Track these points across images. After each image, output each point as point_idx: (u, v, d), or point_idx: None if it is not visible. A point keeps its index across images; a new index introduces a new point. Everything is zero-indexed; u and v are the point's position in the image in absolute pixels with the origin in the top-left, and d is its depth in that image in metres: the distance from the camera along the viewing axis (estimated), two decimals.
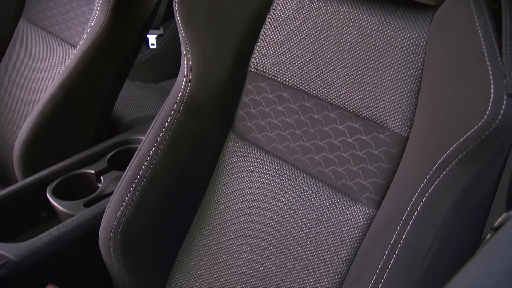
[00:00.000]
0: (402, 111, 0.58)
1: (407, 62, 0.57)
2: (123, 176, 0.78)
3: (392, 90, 0.59)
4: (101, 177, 0.97)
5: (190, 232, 0.79)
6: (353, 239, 0.63)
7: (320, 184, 0.68)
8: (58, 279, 0.78)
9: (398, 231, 0.53)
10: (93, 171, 0.97)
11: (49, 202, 0.91)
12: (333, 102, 0.66)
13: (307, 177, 0.69)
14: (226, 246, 0.75)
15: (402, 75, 0.58)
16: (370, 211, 0.62)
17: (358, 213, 0.63)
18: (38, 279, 0.77)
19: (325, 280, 0.64)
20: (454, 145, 0.50)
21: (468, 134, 0.49)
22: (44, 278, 0.77)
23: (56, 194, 0.92)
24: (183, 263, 0.79)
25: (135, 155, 0.78)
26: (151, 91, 1.37)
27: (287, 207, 0.70)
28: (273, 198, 0.72)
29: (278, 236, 0.70)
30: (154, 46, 1.64)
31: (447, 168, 0.50)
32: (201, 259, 0.77)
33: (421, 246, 0.51)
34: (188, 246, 0.79)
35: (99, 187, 0.96)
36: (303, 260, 0.67)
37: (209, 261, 0.76)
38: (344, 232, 0.64)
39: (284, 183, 0.71)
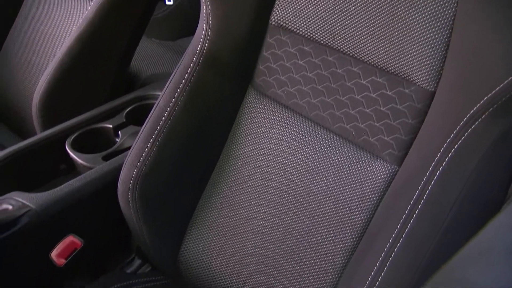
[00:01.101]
0: (429, 65, 0.56)
1: (438, 13, 0.55)
2: (141, 130, 0.78)
3: (420, 43, 0.57)
4: (119, 132, 0.97)
5: (207, 187, 0.80)
6: (373, 195, 0.62)
7: (341, 140, 0.67)
8: (78, 230, 0.80)
9: (422, 187, 0.52)
10: (111, 126, 0.97)
11: (68, 155, 0.92)
12: (357, 56, 0.64)
13: (328, 133, 0.68)
14: (244, 201, 0.75)
15: (432, 26, 0.56)
16: (392, 167, 0.61)
17: (379, 169, 0.62)
18: (59, 229, 0.78)
19: (344, 235, 0.64)
20: (485, 98, 0.48)
21: (500, 86, 0.47)
22: (64, 228, 0.79)
23: (75, 147, 0.93)
24: (200, 217, 0.79)
25: (153, 109, 0.78)
26: (167, 48, 1.35)
27: (307, 163, 0.69)
28: (292, 154, 0.71)
29: (297, 192, 0.70)
30: (171, 3, 1.61)
31: (476, 122, 0.49)
32: (219, 214, 0.77)
33: (445, 202, 0.50)
34: (205, 201, 0.80)
35: (117, 141, 0.96)
36: (321, 216, 0.67)
37: (227, 216, 0.77)
38: (364, 188, 0.63)
39: (304, 139, 0.70)
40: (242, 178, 0.76)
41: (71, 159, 0.93)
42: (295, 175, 0.70)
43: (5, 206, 0.76)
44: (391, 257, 0.53)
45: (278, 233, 0.71)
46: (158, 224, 0.80)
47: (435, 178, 0.52)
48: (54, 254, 0.76)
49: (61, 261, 0.75)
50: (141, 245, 0.84)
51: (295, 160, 0.71)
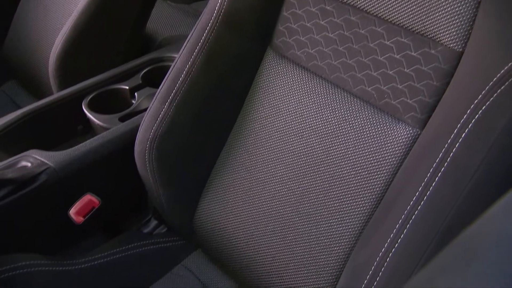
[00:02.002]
0: (458, 24, 0.54)
1: None
2: (158, 90, 0.77)
3: (449, 1, 0.55)
4: (135, 93, 0.96)
5: (224, 149, 0.79)
6: (394, 159, 0.61)
7: (362, 103, 0.65)
8: (96, 189, 0.80)
9: (445, 150, 0.51)
10: (127, 87, 0.96)
11: (84, 115, 0.92)
12: (382, 15, 0.62)
13: (348, 96, 0.67)
14: (261, 164, 0.75)
15: None
16: (414, 130, 0.60)
17: (401, 132, 0.61)
18: (76, 187, 0.79)
19: (362, 199, 0.63)
20: None
21: None
22: (82, 186, 0.79)
23: (92, 108, 0.92)
24: (217, 179, 0.79)
25: (170, 69, 0.77)
26: (183, 11, 1.33)
27: (326, 126, 0.68)
28: (311, 117, 0.70)
29: (315, 156, 0.69)
30: None
31: (506, 83, 0.47)
32: (235, 176, 0.77)
33: (469, 165, 0.49)
34: (222, 163, 0.79)
35: (133, 103, 0.96)
36: (339, 179, 0.66)
37: (243, 178, 0.76)
38: (385, 152, 0.62)
39: (323, 102, 0.69)
40: (259, 141, 0.75)
41: (87, 119, 0.93)
42: (313, 138, 0.69)
43: (24, 163, 0.77)
44: (411, 219, 0.52)
45: (295, 196, 0.70)
46: (174, 185, 0.80)
47: (460, 140, 0.50)
48: (72, 212, 0.76)
49: (80, 219, 0.76)
50: (158, 206, 0.85)
51: (314, 123, 0.70)
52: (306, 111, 0.71)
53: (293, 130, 0.72)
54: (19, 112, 0.89)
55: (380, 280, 0.53)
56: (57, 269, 0.75)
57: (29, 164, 0.76)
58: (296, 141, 0.71)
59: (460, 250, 0.20)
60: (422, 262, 0.49)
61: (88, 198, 0.78)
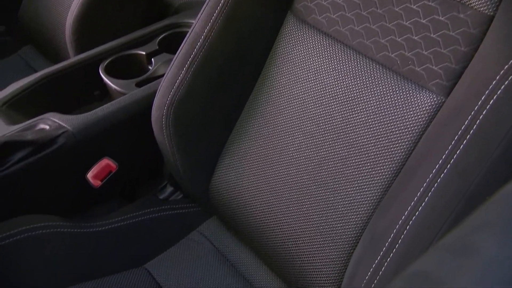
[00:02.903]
0: None
1: None
2: (176, 55, 0.76)
3: None
4: (152, 59, 0.95)
5: (242, 116, 0.78)
6: (416, 127, 0.60)
7: (384, 70, 0.64)
8: (113, 154, 0.80)
9: (472, 117, 0.50)
10: (144, 53, 0.95)
11: (101, 80, 0.92)
12: None
13: (370, 62, 0.65)
14: (278, 131, 0.74)
15: None
16: (439, 98, 0.58)
17: (425, 100, 0.59)
18: (94, 151, 0.79)
19: (382, 168, 0.62)
20: None
21: None
22: (99, 151, 0.79)
23: (108, 73, 0.92)
24: (233, 146, 0.79)
25: (188, 33, 0.75)
26: None
27: (346, 94, 0.67)
28: (331, 84, 0.69)
29: (334, 123, 0.68)
30: None
31: None
32: (252, 143, 0.77)
33: (496, 132, 0.48)
34: (239, 130, 0.79)
35: (149, 69, 0.95)
36: (359, 148, 0.65)
37: (260, 146, 0.76)
38: (407, 120, 0.61)
39: (344, 69, 0.67)
40: (277, 108, 0.74)
41: (104, 85, 0.93)
42: (333, 106, 0.68)
43: (42, 126, 0.77)
44: (433, 187, 0.51)
45: (312, 164, 0.70)
46: (190, 152, 0.80)
47: (487, 107, 0.49)
48: (90, 175, 0.77)
49: (97, 183, 0.77)
50: (173, 172, 0.85)
51: (334, 90, 0.68)
52: (326, 78, 0.69)
53: (312, 97, 0.70)
54: (36, 75, 0.89)
55: (399, 248, 0.52)
56: (75, 231, 0.76)
57: (47, 127, 0.76)
58: (315, 108, 0.70)
59: (501, 207, 0.19)
60: (443, 230, 0.48)
61: (105, 162, 0.78)
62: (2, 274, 0.69)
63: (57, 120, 0.77)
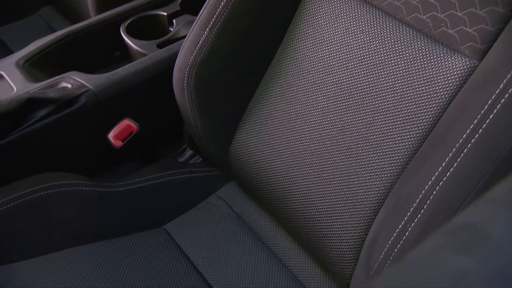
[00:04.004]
0: None
1: None
2: (199, 16, 0.75)
3: None
4: (173, 20, 0.94)
5: (264, 79, 0.77)
6: (445, 92, 0.58)
7: (415, 32, 0.61)
8: (134, 114, 0.80)
9: (508, 80, 0.48)
10: (165, 13, 0.94)
11: (122, 41, 0.91)
12: None
13: (400, 24, 0.63)
14: (302, 95, 0.72)
15: None
16: (471, 62, 0.56)
17: (456, 64, 0.57)
18: (115, 112, 0.78)
19: (408, 134, 0.61)
20: None
21: None
22: (121, 111, 0.79)
23: (129, 34, 0.91)
24: (255, 110, 0.78)
25: None
26: None
27: (373, 57, 0.65)
28: (358, 47, 0.67)
29: (360, 88, 0.66)
30: None
31: None
32: (274, 107, 0.76)
33: None
34: (261, 93, 0.77)
35: (171, 30, 0.93)
36: (384, 113, 0.64)
37: (282, 110, 0.75)
38: (437, 85, 0.59)
39: (372, 31, 0.65)
40: (301, 71, 0.73)
41: (125, 45, 0.92)
42: (359, 70, 0.66)
43: (64, 84, 0.77)
44: (463, 152, 0.50)
45: (335, 129, 0.69)
46: (211, 115, 0.79)
47: None
48: (111, 135, 0.77)
49: (118, 143, 0.77)
50: (194, 135, 0.84)
51: (361, 53, 0.66)
52: (353, 41, 0.67)
53: (337, 60, 0.69)
54: (57, 34, 0.88)
55: (425, 213, 0.52)
56: (95, 190, 0.76)
57: (69, 86, 0.76)
58: (340, 72, 0.68)
59: None
60: (473, 195, 0.47)
61: (126, 123, 0.78)
62: (29, 227, 0.70)
63: (79, 79, 0.76)
